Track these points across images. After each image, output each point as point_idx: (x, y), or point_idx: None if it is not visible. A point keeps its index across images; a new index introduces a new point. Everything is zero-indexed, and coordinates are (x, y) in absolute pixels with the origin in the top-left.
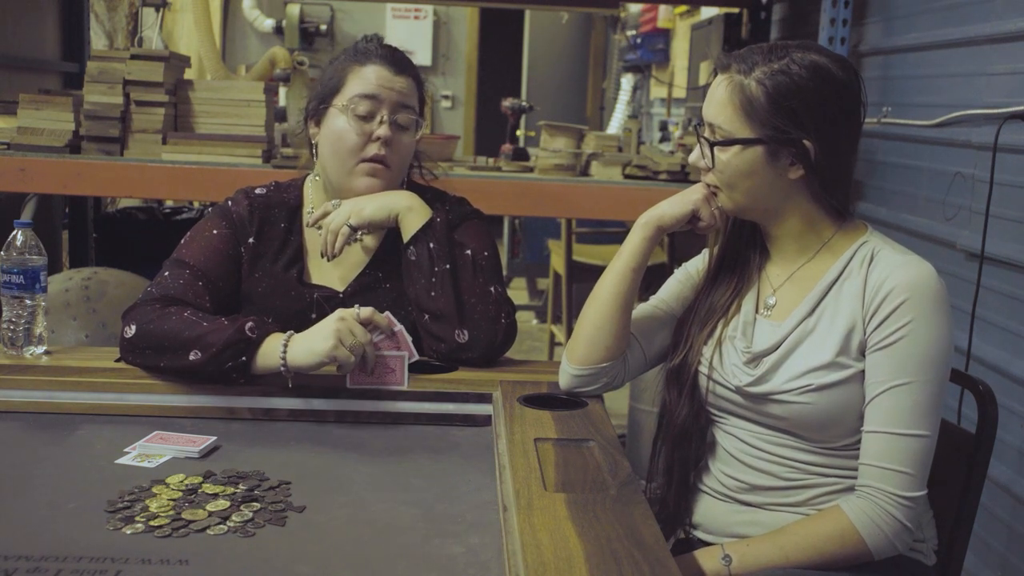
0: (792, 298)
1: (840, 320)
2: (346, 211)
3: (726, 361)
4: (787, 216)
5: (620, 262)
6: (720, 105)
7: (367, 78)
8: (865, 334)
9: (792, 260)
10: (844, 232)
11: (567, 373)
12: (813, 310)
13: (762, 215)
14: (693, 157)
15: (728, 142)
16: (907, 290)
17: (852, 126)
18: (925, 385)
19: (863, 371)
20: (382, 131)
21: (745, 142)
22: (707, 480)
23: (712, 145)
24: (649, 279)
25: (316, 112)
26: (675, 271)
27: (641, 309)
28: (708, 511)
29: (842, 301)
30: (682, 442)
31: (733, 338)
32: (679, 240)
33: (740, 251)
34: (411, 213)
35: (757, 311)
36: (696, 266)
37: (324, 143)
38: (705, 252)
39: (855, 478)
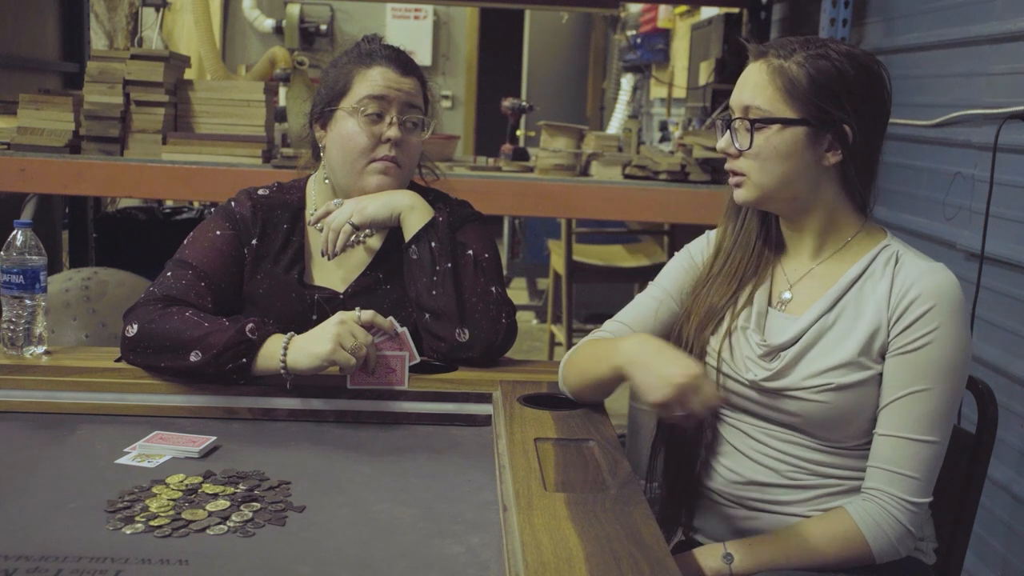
0: (810, 293)
1: (863, 320)
2: (348, 210)
3: (737, 353)
4: (813, 208)
5: (614, 362)
6: (759, 87)
7: (374, 80)
8: (888, 337)
9: (812, 257)
10: (866, 233)
11: (563, 386)
12: (833, 306)
13: (787, 204)
14: (723, 144)
15: (770, 120)
16: (934, 297)
17: (883, 117)
18: (943, 393)
19: (880, 374)
20: (392, 132)
21: (787, 122)
22: (709, 481)
23: (753, 123)
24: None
25: (323, 115)
26: (676, 255)
27: (640, 304)
28: (709, 515)
29: (864, 300)
30: (685, 445)
31: (746, 329)
32: (680, 240)
33: (750, 247)
34: (413, 212)
35: (770, 304)
36: (702, 253)
37: (333, 146)
38: (707, 236)
39: (859, 479)
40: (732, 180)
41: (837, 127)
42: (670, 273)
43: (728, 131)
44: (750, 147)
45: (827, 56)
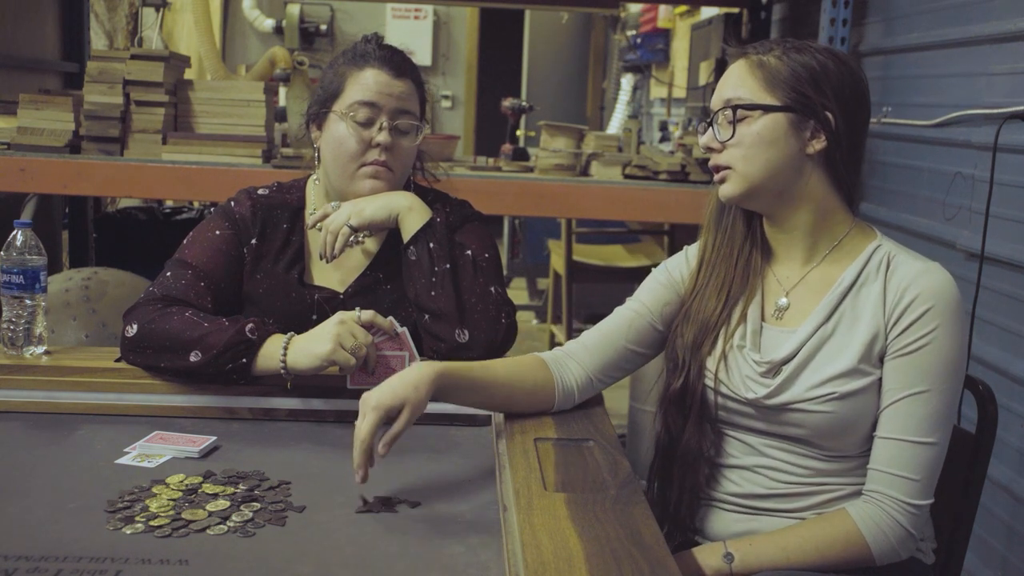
0: (806, 301)
1: (861, 326)
2: (346, 212)
3: (734, 374)
4: (801, 202)
5: None
6: (740, 80)
7: (366, 83)
8: (886, 340)
9: (804, 260)
10: (857, 232)
11: None
12: (830, 315)
13: (775, 199)
14: (705, 139)
15: (752, 106)
16: (932, 298)
17: (865, 108)
18: (942, 394)
19: (881, 379)
20: (381, 137)
21: (769, 108)
22: (710, 487)
23: (735, 110)
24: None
25: (317, 116)
26: (654, 271)
27: (616, 316)
28: (710, 519)
29: (860, 306)
30: (687, 465)
31: (742, 348)
32: (679, 240)
33: (733, 256)
34: (411, 213)
35: (763, 318)
36: (680, 270)
37: (326, 148)
38: (686, 251)
39: (861, 484)
40: (717, 176)
41: (819, 113)
42: (647, 288)
43: (710, 128)
44: (732, 137)
45: (806, 49)
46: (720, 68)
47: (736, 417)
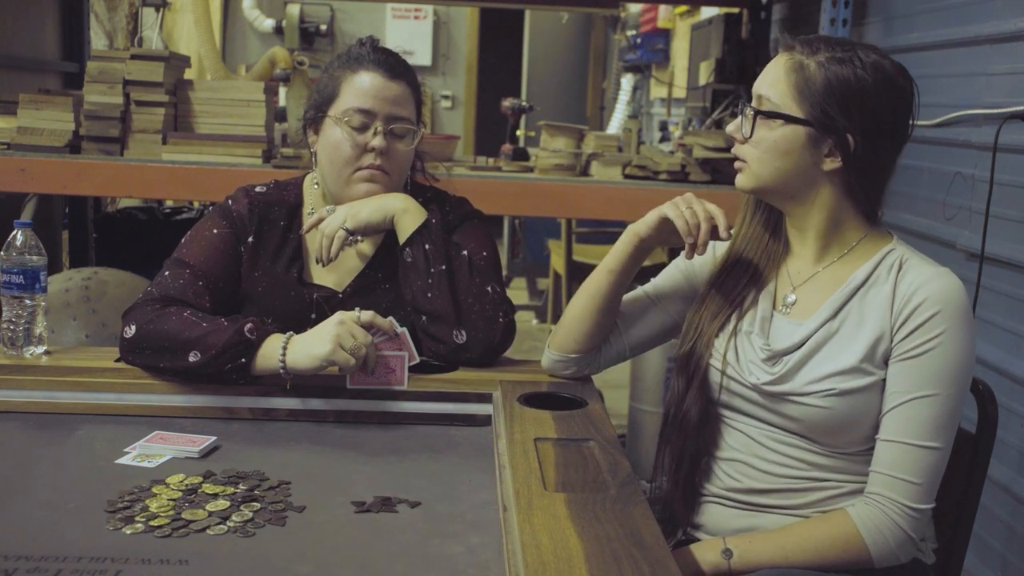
0: (814, 298)
1: (866, 326)
2: (342, 215)
3: (742, 357)
4: (813, 208)
5: (602, 263)
6: (775, 79)
7: (361, 88)
8: (891, 343)
9: (815, 259)
10: (871, 238)
11: (546, 355)
12: (837, 312)
13: (786, 200)
14: (731, 128)
15: (774, 114)
16: (939, 302)
17: (898, 134)
18: (947, 399)
19: (884, 380)
20: (376, 142)
21: (791, 119)
22: (711, 482)
23: (756, 114)
24: (649, 279)
25: (314, 120)
26: (675, 259)
27: (630, 296)
28: (711, 514)
29: (868, 307)
30: (689, 435)
31: (750, 333)
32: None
33: (762, 242)
34: (407, 215)
35: (774, 308)
36: (700, 259)
37: (322, 152)
38: (713, 244)
39: (862, 483)
40: (736, 164)
41: (840, 134)
42: (668, 276)
43: (741, 116)
44: (751, 135)
45: (850, 62)
46: (720, 68)
47: (739, 401)
